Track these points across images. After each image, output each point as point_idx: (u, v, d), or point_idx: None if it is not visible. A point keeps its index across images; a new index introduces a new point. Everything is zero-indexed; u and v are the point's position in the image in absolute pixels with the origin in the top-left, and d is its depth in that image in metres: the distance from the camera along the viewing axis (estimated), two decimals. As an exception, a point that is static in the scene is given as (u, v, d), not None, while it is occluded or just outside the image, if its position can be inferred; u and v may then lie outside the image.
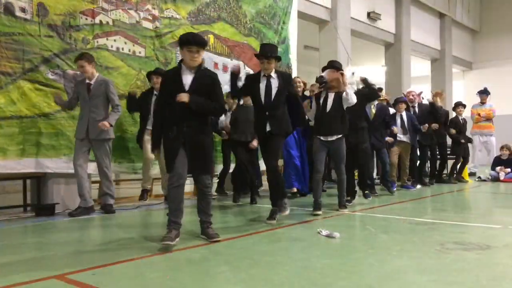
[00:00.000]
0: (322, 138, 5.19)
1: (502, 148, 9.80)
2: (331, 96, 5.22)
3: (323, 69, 5.38)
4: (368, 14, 12.38)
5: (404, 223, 4.60)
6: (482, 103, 10.80)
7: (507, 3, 17.55)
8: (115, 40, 6.02)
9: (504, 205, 6.39)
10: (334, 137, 5.16)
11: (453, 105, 9.95)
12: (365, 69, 15.38)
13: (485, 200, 6.89)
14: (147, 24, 6.47)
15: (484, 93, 10.75)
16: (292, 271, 2.82)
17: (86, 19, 5.73)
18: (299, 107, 4.87)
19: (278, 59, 4.68)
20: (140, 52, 6.33)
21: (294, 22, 9.17)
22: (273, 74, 4.60)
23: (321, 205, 5.22)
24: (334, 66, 5.30)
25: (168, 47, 6.68)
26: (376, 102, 6.99)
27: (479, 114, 10.75)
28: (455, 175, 9.54)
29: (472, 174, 10.41)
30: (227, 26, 7.64)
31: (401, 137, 7.83)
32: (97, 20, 5.84)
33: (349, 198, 5.88)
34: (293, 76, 8.09)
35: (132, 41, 6.21)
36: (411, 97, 8.70)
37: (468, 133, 9.99)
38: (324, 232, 3.93)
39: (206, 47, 3.84)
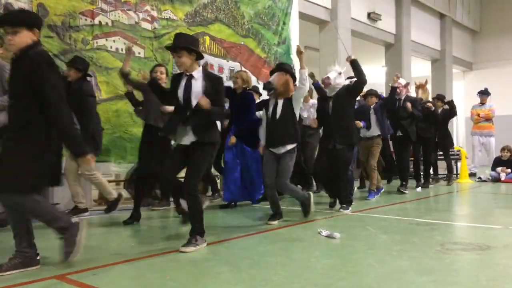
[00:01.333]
0: (272, 149, 4.63)
1: (503, 149, 9.78)
2: (280, 103, 4.63)
3: (271, 73, 4.84)
4: (369, 14, 12.37)
5: (404, 224, 4.60)
6: (482, 103, 10.81)
7: (507, 4, 17.53)
8: (114, 41, 6.03)
9: (505, 205, 6.38)
10: (285, 148, 4.57)
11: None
12: (365, 69, 15.40)
13: (486, 201, 6.88)
14: (146, 25, 6.47)
15: (484, 93, 10.75)
16: (292, 272, 2.82)
17: (86, 19, 5.74)
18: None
19: (193, 52, 3.63)
20: (139, 53, 6.34)
21: (295, 22, 9.17)
22: (195, 74, 3.62)
23: (278, 216, 4.71)
24: (283, 68, 4.72)
25: (166, 48, 6.67)
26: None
27: (478, 115, 10.76)
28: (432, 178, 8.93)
29: (472, 175, 10.41)
30: (224, 27, 7.64)
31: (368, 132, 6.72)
32: (96, 21, 5.84)
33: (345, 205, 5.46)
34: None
35: (131, 41, 6.21)
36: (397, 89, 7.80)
37: (468, 133, 9.94)
38: (324, 233, 3.93)
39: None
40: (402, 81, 7.28)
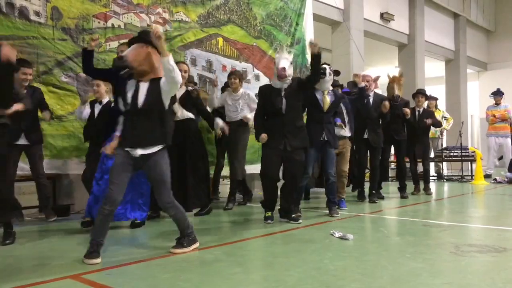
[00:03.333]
0: (128, 150, 3.28)
1: None
2: (144, 86, 3.36)
3: (129, 44, 3.47)
4: (381, 15, 12.31)
5: (418, 225, 4.55)
6: (497, 104, 10.69)
7: (522, 3, 17.33)
8: (126, 44, 6.07)
9: (521, 207, 6.29)
10: (150, 150, 3.31)
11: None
12: (378, 70, 15.32)
13: (501, 202, 6.78)
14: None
15: (497, 94, 10.64)
16: (305, 273, 2.81)
17: (99, 22, 5.79)
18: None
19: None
20: (152, 55, 6.36)
21: (310, 23, 9.15)
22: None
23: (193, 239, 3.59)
24: (143, 38, 3.39)
25: (177, 50, 6.71)
26: (330, 89, 5.29)
27: (494, 116, 10.64)
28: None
29: (487, 176, 10.27)
30: (236, 28, 7.66)
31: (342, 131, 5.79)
32: (109, 24, 5.89)
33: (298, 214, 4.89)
34: None
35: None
36: (365, 82, 6.28)
37: (483, 134, 9.71)
38: (337, 234, 3.90)
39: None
40: (371, 74, 6.50)
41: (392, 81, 6.83)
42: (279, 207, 4.84)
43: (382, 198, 6.84)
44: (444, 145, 11.24)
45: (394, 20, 12.65)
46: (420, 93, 7.53)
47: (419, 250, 3.41)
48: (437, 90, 15.59)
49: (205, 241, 3.76)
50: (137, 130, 3.27)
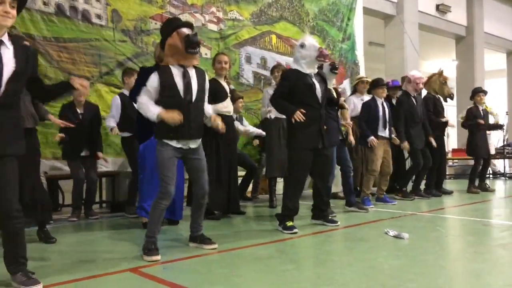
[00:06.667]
0: (180, 143, 3.26)
1: None
2: (193, 75, 3.30)
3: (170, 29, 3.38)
4: (437, 6, 11.88)
5: (478, 225, 4.39)
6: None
7: None
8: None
9: None
10: (199, 142, 3.37)
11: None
12: (433, 64, 14.80)
13: None
14: (212, 26, 6.64)
15: None
16: (358, 271, 2.79)
17: (156, 23, 5.99)
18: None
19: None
20: (206, 54, 6.51)
21: (360, 18, 9.03)
22: (5, 40, 2.44)
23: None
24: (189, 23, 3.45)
25: (232, 48, 6.83)
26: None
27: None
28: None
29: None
30: (289, 25, 7.67)
31: (383, 132, 5.76)
32: (165, 24, 6.07)
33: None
34: (361, 75, 7.88)
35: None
36: (421, 85, 6.49)
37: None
38: (391, 233, 3.83)
39: None
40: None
41: (433, 78, 6.91)
42: (311, 208, 4.58)
43: (440, 195, 6.67)
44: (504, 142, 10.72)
45: (450, 11, 12.17)
46: (481, 91, 7.40)
47: (479, 250, 3.30)
48: (498, 84, 14.86)
49: (258, 238, 3.82)
50: (191, 123, 3.21)
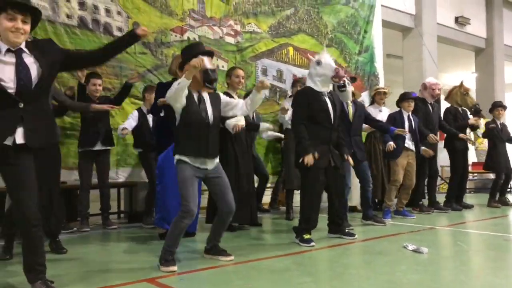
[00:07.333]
0: (198, 163, 3.31)
1: None
2: (207, 98, 3.43)
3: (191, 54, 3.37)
4: (456, 19, 11.81)
5: (499, 240, 4.30)
6: None
7: None
8: (200, 55, 6.30)
9: None
10: (217, 161, 3.45)
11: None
12: (452, 76, 14.65)
13: None
14: (229, 39, 6.70)
15: None
16: (377, 285, 2.75)
17: (176, 36, 6.08)
18: None
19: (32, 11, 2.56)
20: (223, 66, 6.56)
21: (379, 30, 9.02)
22: (24, 47, 2.55)
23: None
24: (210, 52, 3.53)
25: (248, 60, 6.87)
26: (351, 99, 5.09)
27: None
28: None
29: None
30: (307, 37, 7.70)
31: (409, 144, 5.73)
32: (185, 37, 6.16)
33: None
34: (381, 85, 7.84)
35: (215, 55, 6.45)
36: (437, 91, 6.49)
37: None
38: (410, 247, 3.78)
39: None
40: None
41: (454, 90, 6.90)
42: (327, 222, 4.48)
43: (460, 209, 6.58)
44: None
45: (470, 24, 12.08)
46: (501, 106, 7.35)
47: (501, 265, 3.23)
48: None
49: (274, 250, 3.81)
50: (210, 144, 3.30)
